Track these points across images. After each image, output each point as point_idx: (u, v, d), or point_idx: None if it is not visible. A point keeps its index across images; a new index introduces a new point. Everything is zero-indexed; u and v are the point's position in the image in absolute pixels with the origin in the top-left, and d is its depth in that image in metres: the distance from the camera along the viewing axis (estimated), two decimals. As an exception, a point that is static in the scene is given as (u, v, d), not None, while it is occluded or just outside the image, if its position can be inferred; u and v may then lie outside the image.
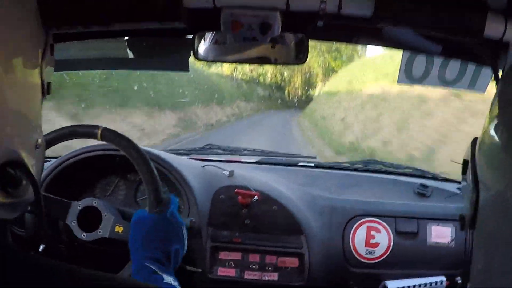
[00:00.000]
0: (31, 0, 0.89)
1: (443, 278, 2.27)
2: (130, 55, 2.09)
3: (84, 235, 1.88)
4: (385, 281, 2.27)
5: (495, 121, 0.80)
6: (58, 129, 1.88)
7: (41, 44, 0.93)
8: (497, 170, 0.76)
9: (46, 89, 0.96)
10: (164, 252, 1.63)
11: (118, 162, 2.21)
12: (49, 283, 0.74)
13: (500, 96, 0.83)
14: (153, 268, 1.55)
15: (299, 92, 59.97)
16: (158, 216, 1.72)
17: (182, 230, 1.77)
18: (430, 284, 2.26)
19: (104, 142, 2.00)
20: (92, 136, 1.89)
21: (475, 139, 0.93)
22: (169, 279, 1.54)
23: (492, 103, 0.84)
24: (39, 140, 0.95)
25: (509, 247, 0.70)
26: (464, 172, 0.99)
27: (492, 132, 0.79)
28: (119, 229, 1.89)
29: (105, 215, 1.89)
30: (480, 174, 0.85)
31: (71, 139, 1.92)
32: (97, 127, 1.88)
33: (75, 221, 1.89)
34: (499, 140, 0.75)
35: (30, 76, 0.88)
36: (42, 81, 0.94)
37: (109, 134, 1.88)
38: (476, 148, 0.91)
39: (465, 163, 0.96)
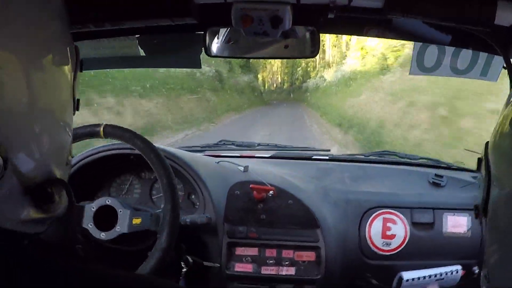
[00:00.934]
0: (57, 2, 0.88)
1: (459, 267, 2.26)
2: (142, 53, 2.10)
3: (103, 235, 1.88)
4: (401, 272, 2.26)
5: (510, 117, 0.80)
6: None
7: (72, 57, 0.93)
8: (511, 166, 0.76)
9: (76, 106, 0.97)
10: None
11: (132, 161, 2.22)
12: (63, 282, 0.75)
13: None
14: None
15: (282, 80, 57.88)
16: None
17: None
18: (446, 273, 2.25)
19: (117, 141, 2.02)
20: (95, 135, 1.91)
21: (487, 143, 0.94)
22: None
23: (508, 101, 0.84)
24: (70, 157, 0.95)
25: None
26: (478, 168, 1.00)
27: (508, 129, 0.79)
28: (136, 221, 1.90)
29: (120, 211, 1.90)
30: (495, 169, 0.85)
31: (75, 142, 1.93)
32: (98, 125, 1.89)
33: (91, 223, 1.89)
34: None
35: (64, 92, 0.88)
36: (74, 97, 0.94)
37: (111, 130, 1.89)
38: (489, 147, 0.91)
39: (479, 160, 0.97)
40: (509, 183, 0.79)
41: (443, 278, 2.26)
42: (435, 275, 2.24)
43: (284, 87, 59.70)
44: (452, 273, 2.25)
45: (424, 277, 2.24)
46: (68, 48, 0.89)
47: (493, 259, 0.89)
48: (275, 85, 61.82)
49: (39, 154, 0.82)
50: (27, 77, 0.74)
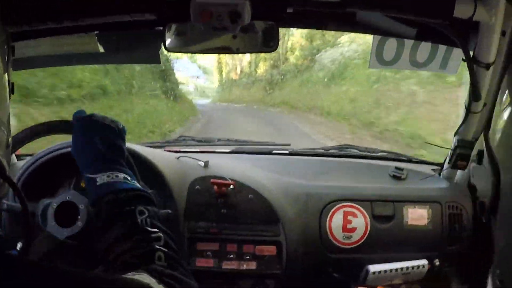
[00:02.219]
0: None
1: (425, 262, 2.30)
2: (101, 49, 2.08)
3: (66, 232, 1.85)
4: (368, 265, 2.28)
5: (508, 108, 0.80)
6: (30, 127, 1.84)
7: (3, 45, 0.92)
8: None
9: (11, 89, 0.96)
10: (92, 149, 1.56)
11: None
12: (27, 282, 0.74)
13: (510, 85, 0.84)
14: (89, 176, 1.48)
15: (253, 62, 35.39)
16: (75, 126, 1.64)
17: (95, 117, 1.64)
18: (412, 267, 2.28)
19: None
20: (69, 131, 1.88)
21: (487, 131, 0.94)
22: (103, 177, 1.47)
23: (500, 93, 0.85)
24: (10, 139, 0.94)
25: None
26: (479, 162, 0.99)
27: (506, 118, 0.79)
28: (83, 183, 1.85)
29: (81, 206, 1.86)
30: (499, 158, 0.85)
31: (46, 135, 1.90)
32: (68, 120, 1.86)
33: (53, 222, 1.86)
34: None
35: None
36: (8, 81, 0.93)
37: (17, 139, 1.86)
38: (489, 138, 0.91)
39: (480, 153, 0.97)
40: None
41: (409, 272, 2.29)
42: (401, 269, 2.27)
43: (258, 73, 35.79)
44: (418, 268, 2.29)
45: (391, 270, 2.27)
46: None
47: (501, 243, 0.89)
48: (239, 70, 40.53)
49: None
50: None
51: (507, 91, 1.02)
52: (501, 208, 0.86)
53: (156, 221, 1.40)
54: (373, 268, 2.27)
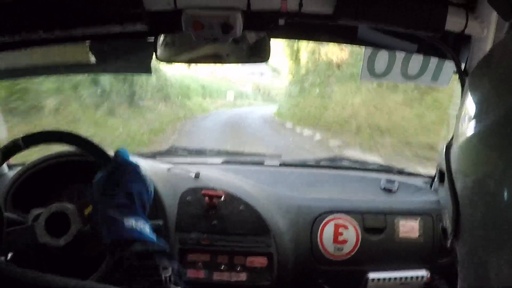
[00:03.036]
0: None
1: (424, 273, 2.31)
2: (92, 59, 2.08)
3: (62, 241, 1.83)
4: (368, 273, 2.30)
5: (467, 116, 0.80)
6: (82, 138, 1.85)
7: None
8: (475, 164, 0.76)
9: None
10: (123, 198, 1.60)
11: (83, 168, 2.19)
12: None
13: (471, 90, 0.83)
14: (113, 215, 1.52)
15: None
16: (109, 168, 1.69)
17: (138, 170, 1.71)
18: (411, 278, 2.29)
19: (68, 148, 1.98)
20: (18, 149, 1.87)
21: (448, 146, 0.93)
22: (130, 222, 1.51)
23: (463, 100, 0.84)
24: None
25: (492, 237, 0.70)
26: (441, 180, 0.98)
27: (466, 128, 0.79)
28: (88, 210, 1.84)
29: (69, 210, 1.85)
30: (457, 169, 0.84)
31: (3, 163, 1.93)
32: (18, 139, 1.85)
33: (43, 221, 1.85)
34: (474, 133, 0.75)
35: None
36: None
37: (31, 138, 1.86)
38: (450, 154, 0.90)
39: (441, 173, 0.96)
40: (474, 177, 0.78)
41: (408, 282, 2.29)
42: (401, 278, 2.28)
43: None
44: (417, 279, 2.29)
45: (390, 279, 2.29)
46: None
47: (468, 270, 0.88)
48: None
49: None
50: None
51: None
52: (461, 239, 0.86)
53: (178, 279, 1.41)
54: (372, 275, 2.28)
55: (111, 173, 1.66)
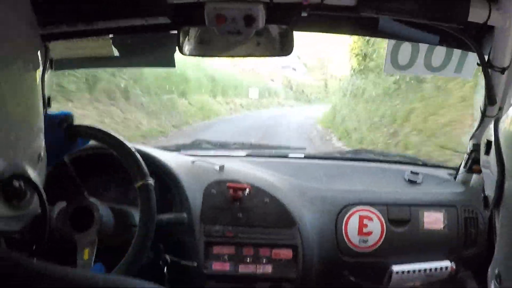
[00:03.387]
0: (26, 3, 0.87)
1: (449, 264, 2.29)
2: (116, 53, 2.09)
3: (80, 236, 1.86)
4: (392, 265, 2.29)
5: None
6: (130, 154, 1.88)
7: (41, 55, 0.92)
8: None
9: (47, 102, 0.96)
10: None
11: (109, 162, 2.21)
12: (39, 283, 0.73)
13: None
14: None
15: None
16: None
17: None
18: (435, 269, 2.28)
19: (93, 142, 2.00)
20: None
21: (497, 120, 0.92)
22: None
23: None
24: (42, 153, 0.94)
25: None
26: (487, 152, 0.98)
27: None
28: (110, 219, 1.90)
29: (96, 211, 1.87)
30: (505, 159, 0.84)
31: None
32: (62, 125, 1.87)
33: (68, 225, 1.87)
34: None
35: (33, 89, 0.87)
36: (43, 94, 0.93)
37: (78, 129, 1.86)
38: (498, 130, 0.90)
39: (488, 144, 0.96)
40: None
41: (432, 274, 2.29)
42: (425, 270, 2.27)
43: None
44: (441, 269, 2.28)
45: (414, 271, 2.28)
46: (36, 48, 0.89)
47: (506, 258, 0.88)
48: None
49: (7, 149, 0.81)
50: None
51: None
52: (504, 205, 0.85)
53: None
54: (396, 268, 2.28)
55: None
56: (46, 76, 0.92)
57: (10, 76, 0.78)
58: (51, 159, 1.10)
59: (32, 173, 0.88)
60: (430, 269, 2.28)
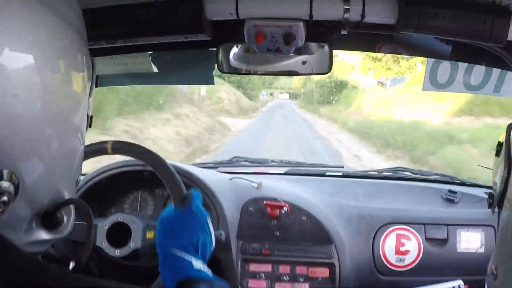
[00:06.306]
0: (78, 19, 0.89)
1: (461, 283, 2.20)
2: (155, 69, 2.11)
3: (117, 252, 1.87)
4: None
5: None
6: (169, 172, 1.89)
7: (88, 71, 0.93)
8: None
9: (89, 122, 0.96)
10: (191, 243, 1.58)
11: (145, 177, 2.23)
12: None
13: None
14: (180, 255, 1.51)
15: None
16: (182, 210, 1.68)
17: (207, 222, 1.70)
18: None
19: (130, 158, 2.02)
20: (103, 152, 1.90)
21: (510, 125, 0.93)
22: (199, 264, 1.50)
23: None
24: (80, 177, 0.95)
25: None
26: (497, 154, 0.99)
27: None
28: (150, 235, 1.89)
29: (133, 227, 1.88)
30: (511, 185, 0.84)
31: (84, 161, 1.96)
32: (106, 142, 1.89)
33: (105, 241, 1.88)
34: None
35: (80, 108, 0.88)
36: (88, 113, 0.93)
37: (120, 146, 1.88)
38: (511, 134, 0.90)
39: (499, 144, 0.96)
40: None
41: None
42: None
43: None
44: None
45: None
46: (85, 60, 0.90)
47: (501, 253, 0.88)
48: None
49: (50, 177, 0.81)
50: (43, 91, 0.74)
51: None
52: (507, 201, 0.85)
53: None
54: None
55: (181, 214, 1.67)
56: (91, 95, 0.92)
57: (63, 94, 0.79)
58: None
59: (70, 196, 0.89)
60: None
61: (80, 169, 0.95)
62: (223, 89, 31.99)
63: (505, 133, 0.97)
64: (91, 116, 0.97)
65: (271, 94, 67.67)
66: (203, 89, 25.75)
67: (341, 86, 39.41)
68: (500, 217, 0.92)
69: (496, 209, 0.91)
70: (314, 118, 35.77)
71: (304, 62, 1.87)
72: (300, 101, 57.05)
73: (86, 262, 1.99)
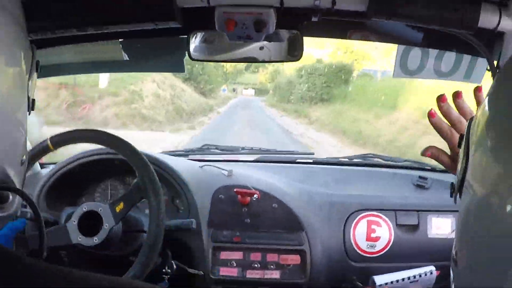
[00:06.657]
0: (15, 5, 0.88)
1: (433, 268, 2.26)
2: (125, 57, 2.09)
3: (96, 239, 1.86)
4: (373, 276, 2.26)
5: (488, 117, 0.80)
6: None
7: (27, 57, 0.92)
8: (484, 175, 0.77)
9: (31, 106, 0.96)
10: None
11: (116, 166, 2.21)
12: (43, 285, 0.73)
13: (496, 90, 0.83)
14: None
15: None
16: None
17: None
18: (420, 275, 2.25)
19: (100, 146, 2.01)
20: (46, 150, 1.90)
21: (471, 119, 0.93)
22: None
23: (488, 95, 0.84)
24: (24, 157, 0.94)
25: (490, 250, 0.71)
26: (459, 145, 1.01)
27: (483, 129, 0.79)
28: (118, 208, 1.90)
29: (100, 209, 1.89)
30: (469, 174, 0.85)
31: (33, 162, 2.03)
32: (45, 140, 1.88)
33: (80, 236, 1.87)
34: (488, 140, 0.75)
35: (18, 91, 0.88)
36: (28, 97, 0.93)
37: (58, 138, 1.89)
38: (470, 128, 0.91)
39: (461, 136, 0.98)
40: (480, 190, 0.78)
41: (417, 280, 2.25)
42: (409, 278, 2.24)
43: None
44: (426, 275, 2.25)
45: (397, 281, 2.24)
46: (22, 50, 0.89)
47: (462, 264, 0.89)
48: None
49: None
50: None
51: None
52: (463, 227, 0.87)
53: None
54: (378, 279, 2.24)
55: None
56: (32, 79, 0.92)
57: None
58: None
59: (15, 178, 0.89)
60: (414, 276, 2.24)
61: (24, 148, 0.94)
62: (149, 79, 24.47)
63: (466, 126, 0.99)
64: (33, 100, 0.98)
65: (234, 89, 62.57)
66: (104, 78, 20.93)
67: (344, 73, 31.35)
68: (461, 202, 0.94)
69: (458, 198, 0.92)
70: (302, 129, 24.36)
71: (274, 49, 1.86)
72: (269, 97, 50.66)
73: (57, 252, 1.99)
